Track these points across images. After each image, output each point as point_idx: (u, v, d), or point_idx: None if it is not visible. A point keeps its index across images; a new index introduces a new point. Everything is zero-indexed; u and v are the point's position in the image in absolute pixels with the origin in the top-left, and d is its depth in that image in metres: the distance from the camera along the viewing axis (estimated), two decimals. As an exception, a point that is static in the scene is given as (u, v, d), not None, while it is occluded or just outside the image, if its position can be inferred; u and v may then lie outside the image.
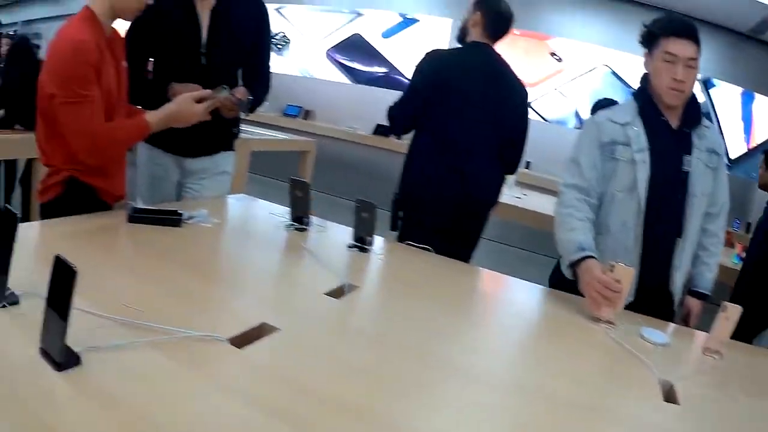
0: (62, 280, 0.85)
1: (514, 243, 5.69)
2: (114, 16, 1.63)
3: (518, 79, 2.39)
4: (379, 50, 7.13)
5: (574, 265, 1.60)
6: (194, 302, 1.20)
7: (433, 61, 2.27)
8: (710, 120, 1.78)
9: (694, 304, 1.85)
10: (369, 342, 1.18)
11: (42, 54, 8.47)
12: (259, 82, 2.14)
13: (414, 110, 2.27)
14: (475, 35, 2.31)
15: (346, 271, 1.50)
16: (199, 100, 1.73)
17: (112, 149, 1.66)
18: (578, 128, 6.12)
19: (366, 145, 6.72)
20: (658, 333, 1.45)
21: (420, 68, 2.28)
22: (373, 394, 0.96)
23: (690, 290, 1.86)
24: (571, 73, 6.25)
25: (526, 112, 2.44)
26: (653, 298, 1.76)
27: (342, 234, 1.89)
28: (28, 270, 1.07)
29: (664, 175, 1.70)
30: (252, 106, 2.02)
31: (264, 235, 1.84)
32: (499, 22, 2.30)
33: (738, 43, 5.68)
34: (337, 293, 1.37)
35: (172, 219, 1.65)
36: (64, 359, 0.85)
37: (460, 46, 2.38)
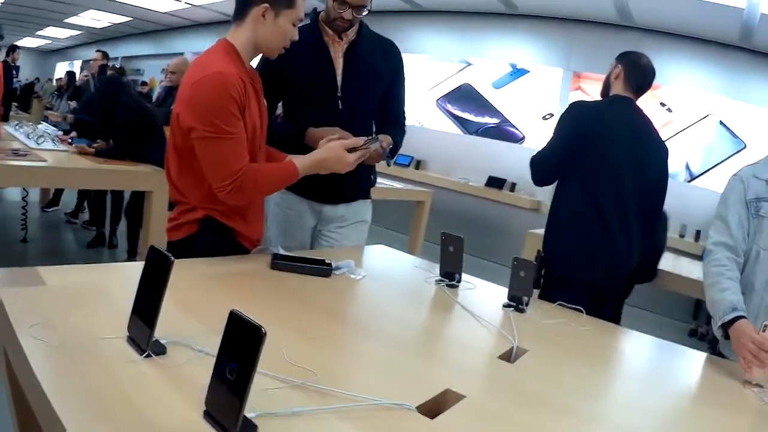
0: (241, 339, 0.77)
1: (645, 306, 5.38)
2: (256, 52, 1.59)
3: (659, 134, 2.33)
4: (490, 100, 7.18)
5: (727, 325, 1.54)
6: (366, 364, 1.19)
7: (580, 112, 2.26)
8: None
9: None
10: (552, 409, 1.15)
11: (138, 87, 9.16)
12: (398, 127, 2.11)
13: (560, 160, 2.25)
14: (618, 89, 2.28)
15: (510, 332, 1.49)
16: (350, 149, 1.66)
17: (255, 193, 1.58)
18: (689, 181, 5.85)
19: (478, 197, 6.72)
20: None
21: (566, 118, 2.27)
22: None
23: None
24: (681, 123, 5.98)
25: (667, 169, 2.35)
26: None
27: (492, 291, 1.88)
28: (170, 315, 1.03)
29: None
30: (392, 154, 1.97)
31: (416, 290, 1.85)
32: (641, 75, 2.27)
33: None
34: (509, 356, 1.36)
35: (322, 269, 1.62)
36: (240, 430, 0.75)
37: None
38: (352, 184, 2.07)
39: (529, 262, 1.71)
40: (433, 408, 1.03)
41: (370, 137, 1.79)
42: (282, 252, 1.68)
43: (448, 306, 1.71)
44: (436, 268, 1.93)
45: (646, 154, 2.24)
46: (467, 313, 1.62)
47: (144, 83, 10.97)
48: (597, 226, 2.15)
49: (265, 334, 0.75)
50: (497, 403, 1.12)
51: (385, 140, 1.89)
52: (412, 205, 5.35)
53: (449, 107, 7.51)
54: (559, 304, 1.80)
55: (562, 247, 2.23)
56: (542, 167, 2.30)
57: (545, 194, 5.80)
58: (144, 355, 0.95)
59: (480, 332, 1.50)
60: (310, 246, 2.16)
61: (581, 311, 1.75)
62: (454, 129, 7.43)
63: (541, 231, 2.46)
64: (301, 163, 1.62)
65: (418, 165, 7.51)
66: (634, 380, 1.45)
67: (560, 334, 1.61)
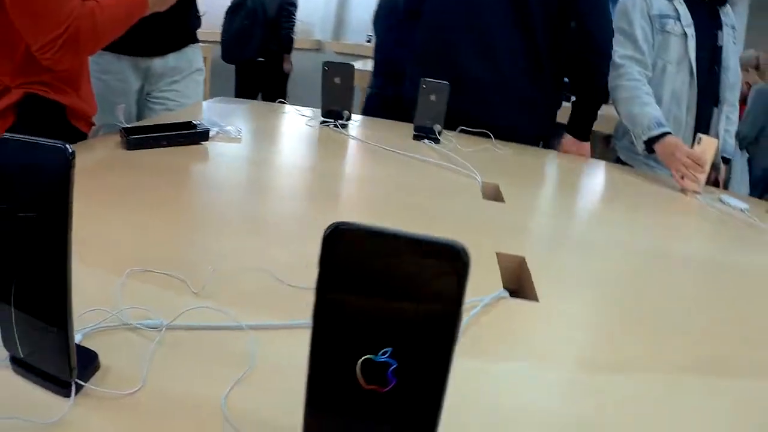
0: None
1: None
2: None
3: None
4: None
5: (654, 140, 1.57)
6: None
7: None
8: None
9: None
10: (594, 245, 1.00)
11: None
12: None
13: None
14: None
15: (464, 166, 1.27)
16: None
17: (96, 40, 1.07)
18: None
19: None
20: (737, 200, 1.48)
21: None
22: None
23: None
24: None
25: None
26: None
27: (389, 126, 1.63)
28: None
29: (704, 49, 1.74)
30: None
31: (308, 138, 1.46)
32: None
33: None
34: (494, 196, 1.17)
35: (195, 134, 1.16)
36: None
37: None
38: (180, 27, 1.58)
39: (442, 84, 1.45)
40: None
41: None
42: (127, 125, 1.15)
43: (366, 151, 1.40)
44: (305, 111, 1.58)
45: None
46: (391, 152, 1.34)
47: None
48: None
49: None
50: (558, 258, 0.93)
51: None
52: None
53: None
54: (461, 130, 1.62)
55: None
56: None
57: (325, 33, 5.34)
58: None
59: (431, 172, 1.25)
60: (137, 117, 1.61)
61: (489, 135, 1.61)
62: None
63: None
64: None
65: None
66: (598, 199, 1.44)
67: (497, 161, 1.46)
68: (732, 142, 1.92)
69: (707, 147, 1.49)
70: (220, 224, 0.84)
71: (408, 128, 1.55)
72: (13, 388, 0.44)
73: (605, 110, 1.87)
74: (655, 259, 0.96)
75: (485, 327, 0.63)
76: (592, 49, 1.68)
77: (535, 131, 1.77)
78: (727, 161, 1.91)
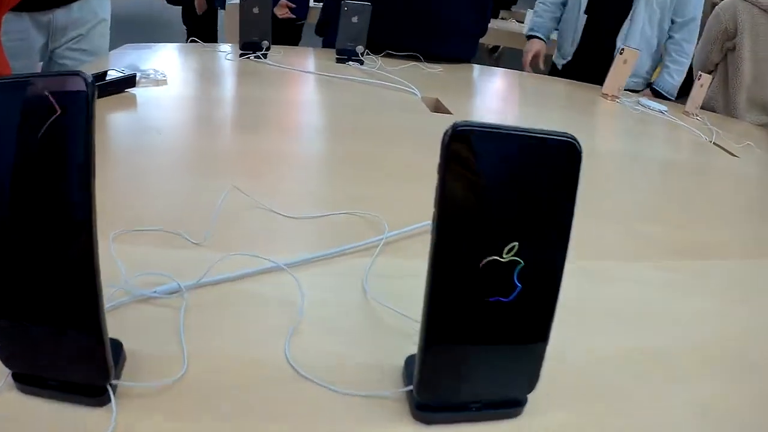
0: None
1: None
2: None
3: None
4: None
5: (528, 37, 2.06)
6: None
7: None
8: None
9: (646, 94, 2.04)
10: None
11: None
12: None
13: None
14: None
15: (405, 85, 1.28)
16: None
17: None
18: None
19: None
20: (655, 102, 1.62)
21: None
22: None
23: (651, 86, 2.06)
24: None
25: None
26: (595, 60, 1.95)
27: (305, 53, 1.60)
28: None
29: None
30: None
31: (255, 74, 1.37)
32: None
33: None
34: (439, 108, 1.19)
35: (124, 80, 1.04)
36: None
37: None
38: None
39: (363, 5, 1.42)
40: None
41: None
42: None
43: (295, 77, 1.35)
44: (224, 47, 1.50)
45: None
46: (323, 76, 1.32)
47: None
48: None
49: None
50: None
51: None
52: None
53: None
54: (387, 53, 1.60)
55: None
56: None
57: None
58: None
59: (367, 91, 1.24)
60: None
61: (419, 58, 1.60)
62: None
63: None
64: None
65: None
66: (534, 105, 1.53)
67: (428, 77, 1.48)
68: (670, 80, 1.99)
69: (628, 57, 1.60)
70: (185, 169, 0.79)
71: (329, 53, 1.52)
72: (31, 411, 0.34)
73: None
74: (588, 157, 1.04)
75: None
76: None
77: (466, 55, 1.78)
78: (659, 95, 2.00)
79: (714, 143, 1.36)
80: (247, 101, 1.16)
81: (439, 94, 1.28)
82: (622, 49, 1.62)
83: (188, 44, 1.55)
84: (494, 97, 1.55)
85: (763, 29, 1.96)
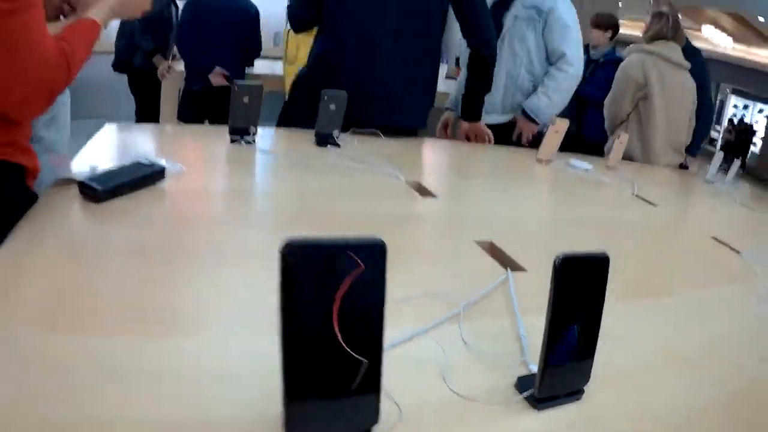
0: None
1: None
2: None
3: None
4: None
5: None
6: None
7: None
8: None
9: (521, 120, 2.36)
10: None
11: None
12: None
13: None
14: None
15: (393, 170, 1.48)
16: None
17: (75, 72, 1.01)
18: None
19: None
20: (581, 162, 1.90)
21: None
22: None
23: (522, 110, 2.36)
24: None
25: None
26: None
27: (292, 135, 1.77)
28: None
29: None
30: None
31: (269, 165, 1.53)
32: None
33: None
34: (422, 191, 1.40)
35: (155, 173, 1.14)
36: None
37: None
38: None
39: (340, 93, 1.62)
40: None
41: None
42: (80, 174, 1.07)
43: (284, 165, 1.52)
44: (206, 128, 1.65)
45: None
46: (314, 165, 1.50)
47: None
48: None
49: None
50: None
51: None
52: None
53: None
54: (353, 131, 1.79)
55: None
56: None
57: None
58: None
59: (362, 179, 1.44)
60: None
61: (378, 134, 1.81)
62: None
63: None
64: (95, 12, 1.11)
65: None
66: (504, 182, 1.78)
67: (399, 156, 1.67)
68: (537, 101, 2.30)
69: (559, 127, 1.86)
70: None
71: (306, 134, 1.69)
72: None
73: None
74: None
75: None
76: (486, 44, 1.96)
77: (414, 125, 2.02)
78: (528, 116, 2.31)
79: (636, 195, 1.66)
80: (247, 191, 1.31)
81: (418, 175, 1.49)
82: (554, 119, 1.89)
83: (170, 126, 1.67)
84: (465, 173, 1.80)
85: (669, 79, 2.36)
